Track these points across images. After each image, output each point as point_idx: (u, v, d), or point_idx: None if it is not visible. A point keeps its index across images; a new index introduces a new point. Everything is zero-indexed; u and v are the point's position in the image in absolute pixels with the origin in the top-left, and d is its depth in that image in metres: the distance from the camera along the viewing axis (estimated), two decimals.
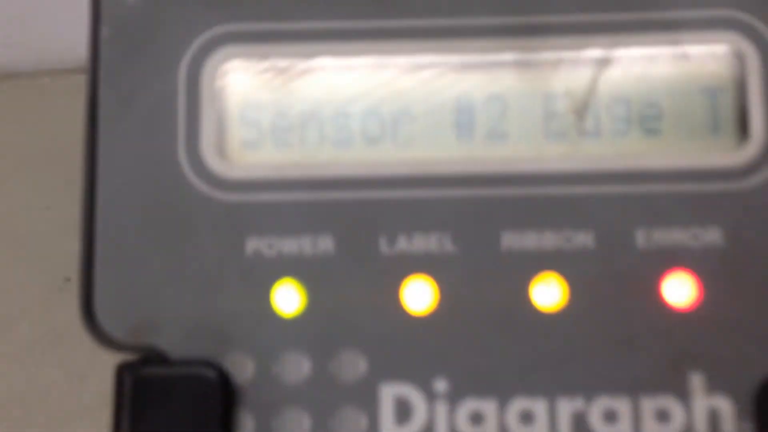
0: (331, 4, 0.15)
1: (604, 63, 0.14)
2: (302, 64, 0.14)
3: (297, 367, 0.14)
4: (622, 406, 0.14)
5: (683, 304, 0.14)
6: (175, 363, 0.14)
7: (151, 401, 0.14)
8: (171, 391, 0.14)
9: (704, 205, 0.14)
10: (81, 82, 0.95)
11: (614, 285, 0.14)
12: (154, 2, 0.14)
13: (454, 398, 0.14)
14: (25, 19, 0.85)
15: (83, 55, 0.93)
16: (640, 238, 0.14)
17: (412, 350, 0.14)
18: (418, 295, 0.14)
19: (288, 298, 0.14)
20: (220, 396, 0.14)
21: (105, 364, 0.67)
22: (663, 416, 0.14)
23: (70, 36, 0.85)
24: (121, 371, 0.14)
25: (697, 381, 0.14)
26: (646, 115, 0.15)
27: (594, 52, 0.14)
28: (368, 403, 0.14)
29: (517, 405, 0.15)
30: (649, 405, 0.14)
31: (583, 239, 0.14)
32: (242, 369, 0.15)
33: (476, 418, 0.14)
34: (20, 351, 0.70)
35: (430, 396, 0.14)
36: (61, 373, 0.69)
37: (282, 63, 0.14)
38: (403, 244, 0.15)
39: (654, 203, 0.14)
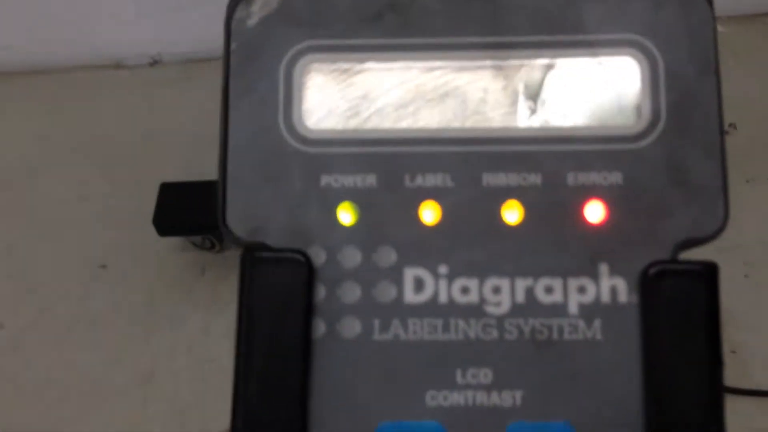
0: (374, 28, 0.22)
1: (549, 67, 0.22)
2: (357, 67, 0.22)
3: (352, 257, 0.21)
4: (556, 283, 0.21)
5: (597, 221, 0.21)
6: (278, 250, 0.21)
7: (262, 273, 0.20)
8: (276, 267, 0.20)
9: (612, 158, 0.21)
10: (114, 77, 0.97)
11: (553, 209, 0.21)
12: (264, 25, 0.22)
13: (451, 278, 0.21)
14: (62, 18, 0.88)
15: (116, 52, 0.95)
16: (570, 178, 0.21)
17: (425, 247, 0.21)
18: (429, 213, 0.21)
19: (346, 214, 0.21)
20: (306, 271, 0.20)
21: (138, 347, 0.69)
22: (582, 290, 0.21)
23: (104, 34, 0.88)
24: (244, 256, 0.21)
25: (604, 269, 0.21)
26: (577, 102, 0.22)
27: (543, 60, 0.22)
28: (397, 280, 0.21)
29: (491, 282, 0.21)
30: (573, 283, 0.21)
31: (534, 179, 0.21)
32: (318, 257, 0.21)
33: (464, 290, 0.21)
34: (57, 335, 0.73)
35: (436, 276, 0.21)
36: (96, 356, 0.72)
37: (345, 65, 0.22)
38: (419, 180, 0.21)
39: (580, 157, 0.21)
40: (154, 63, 0.89)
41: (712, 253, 0.74)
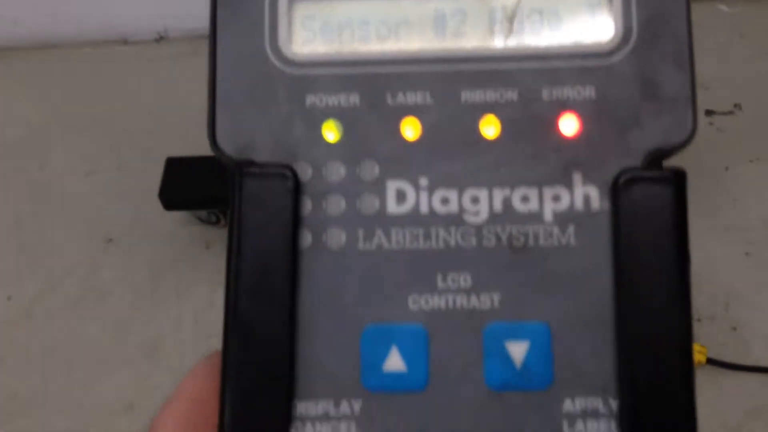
0: None
1: None
2: None
3: (336, 171, 0.22)
4: (532, 193, 0.21)
5: (570, 134, 0.22)
6: (266, 165, 0.22)
7: (252, 187, 0.21)
8: (265, 181, 0.21)
9: (585, 74, 0.21)
10: (121, 52, 0.97)
11: (529, 123, 0.22)
12: None
13: (431, 189, 0.22)
14: None
15: (123, 28, 0.96)
16: (545, 93, 0.22)
17: (406, 161, 0.22)
18: (410, 129, 0.22)
19: (331, 132, 0.22)
20: (293, 184, 0.21)
21: (144, 318, 0.70)
22: (556, 199, 0.21)
23: (110, 10, 0.88)
24: (234, 171, 0.22)
25: (577, 177, 0.21)
26: (553, 22, 0.22)
27: None
28: (379, 192, 0.22)
29: (469, 192, 0.22)
30: (548, 192, 0.21)
31: (511, 95, 0.22)
32: (304, 172, 0.22)
33: (444, 201, 0.22)
34: (65, 307, 0.74)
35: (417, 188, 0.22)
36: (103, 328, 0.73)
37: None
38: (400, 98, 0.22)
39: (554, 73, 0.22)
40: (161, 39, 0.89)
41: (714, 231, 0.74)
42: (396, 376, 0.21)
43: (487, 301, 0.21)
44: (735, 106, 0.88)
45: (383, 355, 0.21)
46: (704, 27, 0.90)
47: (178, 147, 0.72)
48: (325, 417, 0.21)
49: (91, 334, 0.70)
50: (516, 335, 0.21)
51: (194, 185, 0.69)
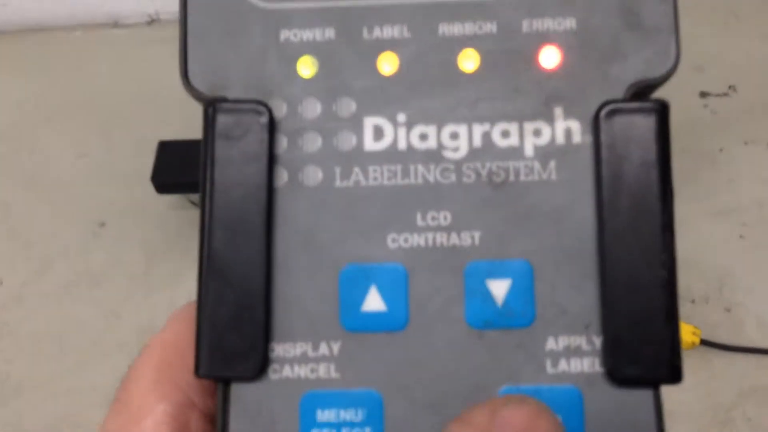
0: None
1: None
2: None
3: (312, 108, 0.21)
4: (512, 128, 0.21)
5: (551, 66, 0.21)
6: (240, 101, 0.21)
7: (225, 123, 0.21)
8: (238, 117, 0.21)
9: (565, 4, 0.21)
10: (112, 35, 0.96)
11: (509, 56, 0.21)
12: None
13: (409, 125, 0.21)
14: None
15: (114, 10, 0.95)
16: (525, 25, 0.21)
17: (383, 97, 0.21)
18: (387, 64, 0.21)
19: (306, 67, 0.21)
20: (268, 121, 0.20)
21: (137, 303, 0.70)
22: (537, 133, 0.21)
23: None
24: (207, 107, 0.21)
25: (558, 111, 0.21)
26: None
27: None
28: (356, 129, 0.21)
29: (448, 128, 0.21)
30: (529, 127, 0.21)
31: (490, 27, 0.21)
32: (279, 109, 0.21)
33: (423, 137, 0.21)
34: (58, 291, 0.74)
35: (395, 124, 0.21)
36: (95, 312, 0.72)
37: None
38: (377, 32, 0.21)
39: (534, 4, 0.21)
40: (152, 21, 0.88)
41: (709, 214, 0.74)
42: (375, 316, 0.20)
43: (467, 238, 0.20)
44: (730, 87, 0.88)
45: (362, 294, 0.20)
46: (699, 8, 0.89)
47: (170, 130, 0.72)
48: (304, 358, 0.20)
49: (83, 319, 0.69)
50: (497, 273, 0.20)
51: (187, 168, 0.69)
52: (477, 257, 0.20)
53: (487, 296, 0.20)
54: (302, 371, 0.20)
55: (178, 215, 0.73)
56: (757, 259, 0.72)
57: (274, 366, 0.20)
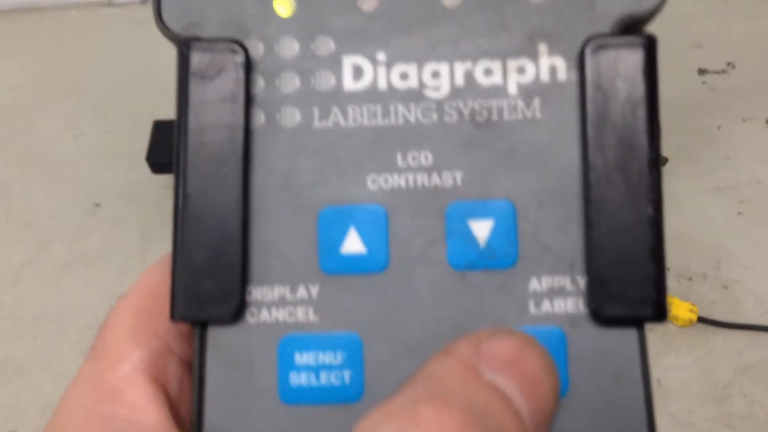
0: None
1: None
2: None
3: (290, 47, 0.21)
4: (495, 65, 0.20)
5: (536, 0, 0.21)
6: (216, 39, 0.20)
7: (200, 63, 0.20)
8: (214, 56, 0.20)
9: None
10: (107, 14, 0.96)
11: None
12: None
13: (389, 64, 0.21)
14: None
15: None
16: None
17: (362, 35, 0.21)
18: (367, 0, 0.21)
19: (283, 6, 0.21)
20: (244, 60, 0.20)
21: (133, 282, 0.70)
22: (521, 71, 0.20)
23: None
24: (181, 46, 0.20)
25: (543, 48, 0.20)
26: None
27: None
28: (335, 68, 0.21)
29: (430, 67, 0.21)
30: (512, 64, 0.20)
31: None
32: (256, 49, 0.20)
33: (403, 76, 0.21)
34: (54, 272, 0.74)
35: (374, 63, 0.21)
36: (91, 293, 0.72)
37: None
38: None
39: None
40: (146, 0, 0.88)
41: (707, 192, 0.74)
42: (355, 258, 0.20)
43: (449, 179, 0.20)
44: (728, 64, 0.88)
45: (341, 236, 0.20)
46: None
47: (165, 110, 0.71)
48: (282, 302, 0.20)
49: (80, 299, 0.69)
50: (479, 213, 0.20)
51: None
52: (459, 198, 0.20)
53: (470, 237, 0.20)
54: (280, 315, 0.20)
55: (173, 195, 0.73)
56: (754, 237, 0.72)
57: (251, 309, 0.20)
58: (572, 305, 0.19)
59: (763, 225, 0.72)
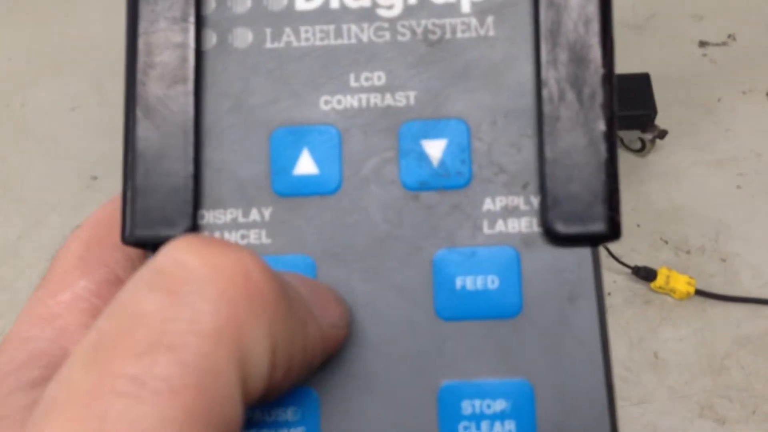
0: None
1: None
2: None
3: (242, 2, 0.20)
4: None
5: None
6: None
7: None
8: None
9: None
10: None
11: None
12: None
13: None
14: None
15: None
16: None
17: None
18: None
19: None
20: None
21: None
22: None
23: None
24: None
25: None
26: None
27: None
28: None
29: None
30: None
31: None
32: (208, 3, 0.20)
33: None
34: (52, 244, 0.73)
35: None
36: None
37: None
38: None
39: None
40: None
41: (707, 164, 0.74)
42: (307, 180, 0.20)
43: (402, 99, 0.20)
44: (729, 36, 0.87)
45: (294, 158, 0.20)
46: None
47: None
48: (234, 225, 0.19)
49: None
50: (433, 133, 0.20)
51: None
52: (412, 117, 0.20)
53: (423, 157, 0.20)
54: (233, 237, 0.19)
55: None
56: (753, 209, 0.71)
57: (203, 233, 0.19)
58: (526, 225, 0.19)
59: (762, 198, 0.72)
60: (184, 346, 0.13)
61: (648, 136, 0.73)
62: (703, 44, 0.85)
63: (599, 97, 0.19)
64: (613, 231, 0.18)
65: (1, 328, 0.66)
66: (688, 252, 0.69)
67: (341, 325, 0.18)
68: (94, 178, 0.74)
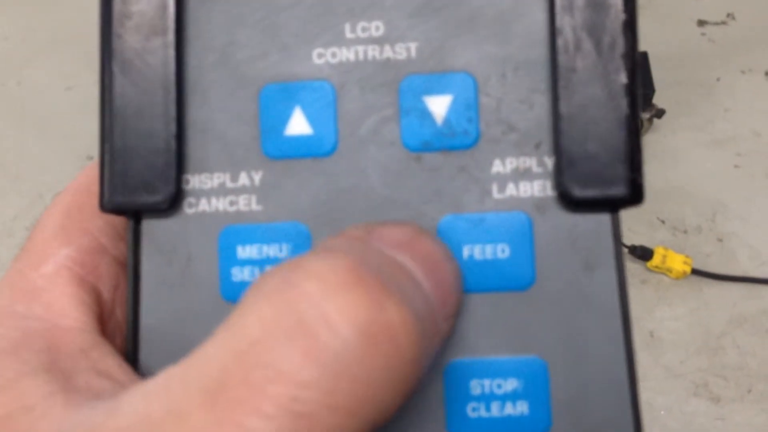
0: None
1: None
2: None
3: None
4: None
5: None
6: None
7: None
8: None
9: None
10: None
11: None
12: None
13: None
14: None
15: None
16: None
17: None
18: None
19: None
20: None
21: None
22: None
23: None
24: None
25: None
26: None
27: None
28: None
29: None
30: None
31: None
32: None
33: None
34: None
35: None
36: None
37: None
38: None
39: None
40: None
41: (705, 144, 0.74)
42: (300, 140, 0.18)
43: (402, 51, 0.18)
44: (728, 15, 0.87)
45: (285, 116, 0.18)
46: None
47: None
48: (222, 190, 0.18)
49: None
50: (436, 88, 0.18)
51: None
52: (413, 71, 0.18)
53: (426, 114, 0.18)
54: (220, 204, 0.18)
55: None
56: (751, 189, 0.71)
57: (189, 199, 0.18)
58: (539, 188, 0.17)
59: (760, 178, 0.72)
60: (316, 419, 0.13)
61: (645, 116, 0.73)
62: (701, 23, 0.85)
63: (620, 46, 0.17)
64: (635, 194, 0.17)
65: None
66: (685, 231, 0.69)
67: (454, 314, 0.16)
68: (90, 157, 0.73)
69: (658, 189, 0.71)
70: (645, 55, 0.73)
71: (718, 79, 0.80)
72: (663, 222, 0.69)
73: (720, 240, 0.68)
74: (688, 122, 0.76)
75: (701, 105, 0.78)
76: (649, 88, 0.72)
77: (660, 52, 0.75)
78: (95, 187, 0.18)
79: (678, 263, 0.65)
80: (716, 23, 0.85)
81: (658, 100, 0.72)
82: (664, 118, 0.73)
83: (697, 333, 0.63)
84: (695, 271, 0.65)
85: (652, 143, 0.73)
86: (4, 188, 0.72)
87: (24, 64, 0.80)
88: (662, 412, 0.60)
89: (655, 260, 0.66)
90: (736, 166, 0.73)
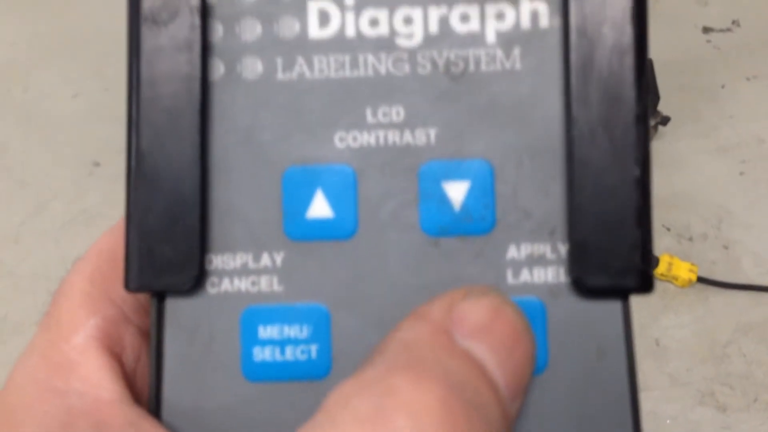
0: None
1: None
2: None
3: (251, 29, 0.19)
4: (472, 11, 0.19)
5: None
6: None
7: (152, 5, 0.18)
8: (169, 1, 0.18)
9: None
10: None
11: None
12: None
13: (358, 9, 0.19)
14: None
15: None
16: None
17: None
18: None
19: None
20: (200, 2, 0.18)
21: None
22: (500, 17, 0.19)
23: None
24: None
25: None
26: None
27: None
28: (300, 14, 0.19)
29: (401, 12, 0.19)
30: (491, 10, 0.19)
31: None
32: None
33: (373, 22, 0.19)
34: (53, 230, 0.74)
35: (342, 8, 0.19)
36: None
37: None
38: None
39: None
40: None
41: (710, 151, 0.74)
42: (321, 223, 0.18)
43: (422, 136, 0.18)
44: (733, 22, 0.87)
45: (307, 199, 0.18)
46: None
47: None
48: (244, 270, 0.18)
49: (79, 258, 0.69)
50: (455, 174, 0.18)
51: None
52: (433, 157, 0.18)
53: (444, 200, 0.18)
54: (243, 284, 0.18)
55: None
56: (756, 196, 0.71)
57: (212, 279, 0.18)
58: (552, 274, 0.18)
59: (765, 185, 0.72)
60: None
61: (651, 123, 0.73)
62: (707, 30, 0.85)
63: (632, 139, 0.18)
64: (645, 285, 0.18)
65: (4, 314, 0.66)
66: (690, 239, 0.69)
67: (524, 393, 0.17)
68: (97, 164, 0.74)
69: (663, 196, 0.70)
70: (650, 62, 0.73)
71: (723, 86, 0.80)
72: (668, 229, 0.69)
73: (725, 247, 0.68)
74: (693, 129, 0.76)
75: (706, 112, 0.78)
76: (653, 96, 0.72)
77: (665, 59, 0.76)
78: (115, 255, 0.19)
79: (684, 271, 0.65)
80: (721, 30, 0.85)
81: (663, 107, 0.72)
82: (669, 125, 0.73)
83: (703, 341, 0.63)
84: (701, 279, 0.65)
85: (657, 150, 0.73)
86: (10, 194, 0.73)
87: (30, 71, 0.80)
88: (668, 421, 0.60)
89: (661, 268, 0.65)
90: (741, 173, 0.73)
